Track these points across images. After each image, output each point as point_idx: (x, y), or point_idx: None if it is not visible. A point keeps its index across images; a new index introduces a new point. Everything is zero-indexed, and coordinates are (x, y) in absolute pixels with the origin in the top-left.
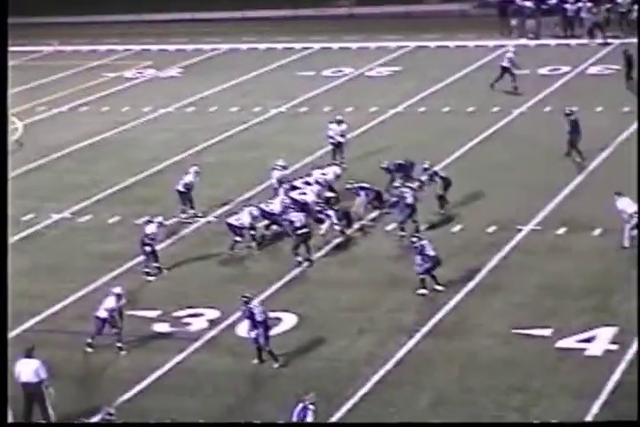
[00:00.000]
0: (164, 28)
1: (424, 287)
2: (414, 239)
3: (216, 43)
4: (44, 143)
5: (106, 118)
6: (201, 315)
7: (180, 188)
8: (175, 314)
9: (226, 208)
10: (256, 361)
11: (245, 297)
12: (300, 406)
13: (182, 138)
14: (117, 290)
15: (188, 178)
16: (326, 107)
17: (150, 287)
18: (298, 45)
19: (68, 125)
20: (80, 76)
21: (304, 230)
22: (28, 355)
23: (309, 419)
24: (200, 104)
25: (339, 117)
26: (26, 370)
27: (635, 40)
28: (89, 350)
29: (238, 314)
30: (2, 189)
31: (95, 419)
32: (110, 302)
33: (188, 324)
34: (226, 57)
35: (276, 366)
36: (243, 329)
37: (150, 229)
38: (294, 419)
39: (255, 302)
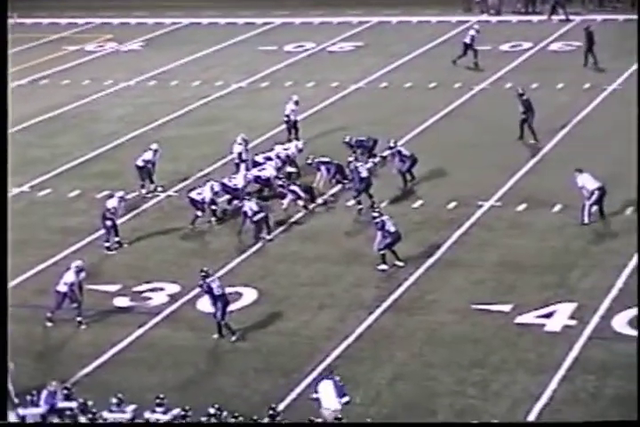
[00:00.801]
0: (125, 2)
1: (384, 263)
2: (375, 215)
3: (177, 17)
4: None
5: (66, 92)
6: (161, 289)
7: (139, 163)
8: (135, 288)
9: (187, 182)
10: (216, 336)
11: (203, 272)
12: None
13: (143, 112)
14: (77, 264)
15: (148, 155)
16: (288, 82)
17: (110, 262)
18: (259, 20)
19: (28, 99)
20: (40, 49)
21: (259, 216)
22: None
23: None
24: (161, 78)
25: (296, 98)
26: None
27: (596, 17)
28: (49, 324)
29: (198, 289)
30: (2, 189)
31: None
32: (70, 277)
33: (149, 298)
34: (187, 31)
35: (233, 339)
36: (203, 304)
37: (111, 203)
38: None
39: (213, 277)
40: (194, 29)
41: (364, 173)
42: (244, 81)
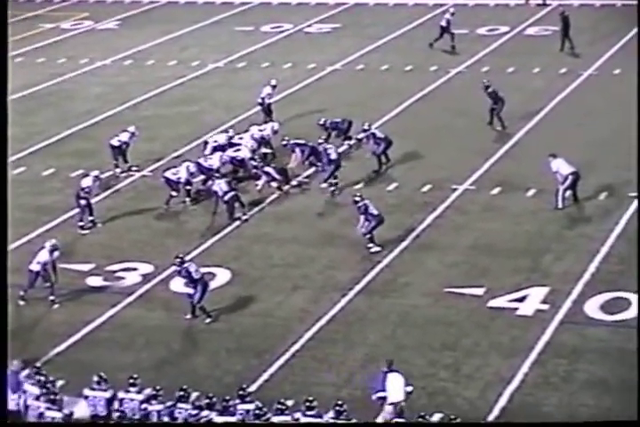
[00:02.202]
0: None
1: (375, 244)
2: (357, 199)
3: None
4: None
5: (42, 70)
6: (134, 269)
7: (114, 143)
8: (108, 268)
9: (161, 162)
10: (189, 316)
11: (179, 258)
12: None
13: (119, 91)
14: (51, 243)
15: (124, 136)
16: (264, 62)
17: (84, 241)
18: (237, 0)
19: None
20: (16, 27)
21: (230, 195)
22: None
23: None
24: (137, 57)
25: (274, 82)
26: None
27: (573, 1)
28: (21, 302)
29: (172, 269)
30: (2, 188)
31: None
32: (43, 256)
33: (122, 278)
34: (164, 10)
35: (207, 321)
36: (176, 284)
37: (86, 182)
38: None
39: (189, 262)
40: (170, 9)
41: (334, 155)
42: (220, 61)
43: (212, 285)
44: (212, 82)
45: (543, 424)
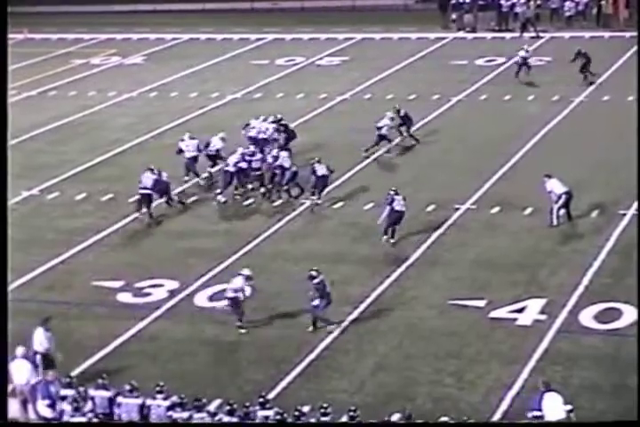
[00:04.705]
0: (128, 19)
1: (386, 234)
2: (391, 192)
3: (177, 33)
4: (15, 125)
5: (73, 102)
6: (161, 286)
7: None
8: (137, 285)
9: (185, 186)
10: (311, 329)
11: (315, 271)
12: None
13: (144, 121)
14: (246, 272)
15: (218, 143)
16: (279, 93)
17: (115, 260)
18: (253, 36)
19: (37, 109)
20: (49, 63)
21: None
22: (44, 325)
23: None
24: (161, 90)
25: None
26: (36, 339)
27: (564, 34)
28: (242, 331)
29: (196, 285)
30: (2, 188)
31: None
32: (238, 282)
33: (150, 294)
34: (186, 46)
35: (331, 328)
36: (200, 299)
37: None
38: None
39: (322, 277)
40: (192, 45)
41: (320, 172)
42: (238, 92)
43: None
44: (231, 112)
45: (543, 424)
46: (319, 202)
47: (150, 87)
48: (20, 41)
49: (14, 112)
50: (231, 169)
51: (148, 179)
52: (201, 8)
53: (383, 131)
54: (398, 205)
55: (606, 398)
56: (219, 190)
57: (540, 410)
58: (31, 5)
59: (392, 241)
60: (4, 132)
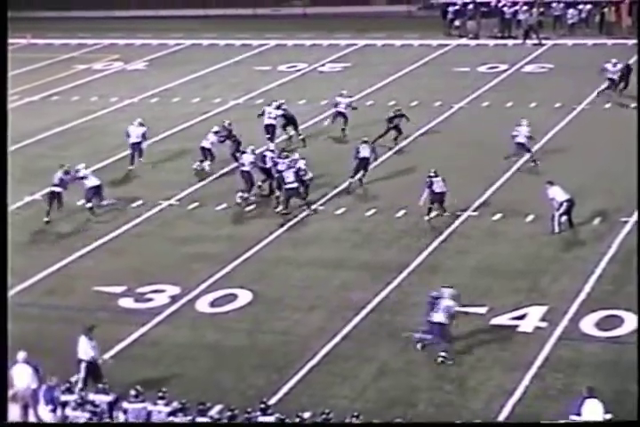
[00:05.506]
0: (131, 24)
1: (428, 214)
2: (431, 174)
3: (179, 38)
4: (17, 130)
5: (75, 108)
6: (163, 291)
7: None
8: (139, 290)
9: (188, 191)
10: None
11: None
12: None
13: (147, 126)
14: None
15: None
16: (281, 99)
17: (116, 265)
18: (255, 42)
19: (40, 114)
20: (52, 68)
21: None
22: (87, 334)
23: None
24: (164, 95)
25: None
26: (80, 348)
27: (567, 41)
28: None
29: (198, 290)
30: (2, 189)
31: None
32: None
33: (151, 299)
34: (188, 52)
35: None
36: (202, 304)
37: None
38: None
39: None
40: (194, 50)
41: (362, 154)
42: (240, 98)
43: (235, 305)
44: (233, 117)
45: (543, 424)
46: (315, 208)
47: (152, 93)
48: (23, 46)
49: (17, 117)
50: (248, 168)
51: (57, 177)
52: (203, 14)
53: (519, 139)
54: (438, 187)
55: (606, 405)
56: (242, 193)
57: (579, 415)
58: (34, 11)
59: (444, 214)
60: (3, 137)
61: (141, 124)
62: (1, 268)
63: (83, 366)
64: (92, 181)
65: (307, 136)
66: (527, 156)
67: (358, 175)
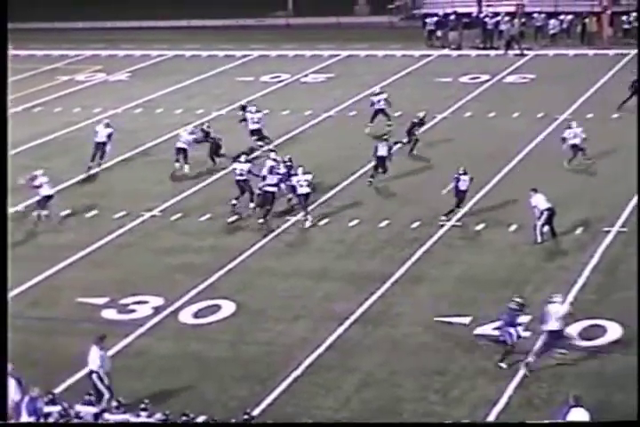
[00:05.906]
0: (114, 35)
1: (447, 214)
2: (460, 171)
3: (162, 49)
4: None
5: (58, 119)
6: (146, 302)
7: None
8: (122, 301)
9: (171, 202)
10: (505, 365)
11: (519, 300)
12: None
13: (130, 137)
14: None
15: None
16: (264, 110)
17: (99, 276)
18: (238, 53)
19: (23, 125)
20: (34, 79)
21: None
22: (98, 343)
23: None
24: (147, 106)
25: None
26: (91, 357)
27: (548, 52)
28: None
29: (182, 301)
30: (2, 190)
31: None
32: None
33: (134, 310)
34: (171, 62)
35: (523, 370)
36: (185, 315)
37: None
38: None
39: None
40: (177, 61)
41: (380, 152)
42: (223, 109)
43: (219, 316)
44: (216, 128)
45: (542, 424)
46: (309, 219)
47: (136, 104)
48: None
49: None
50: (245, 177)
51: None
52: (186, 25)
53: (574, 141)
54: (463, 185)
55: (590, 414)
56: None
57: None
58: (16, 22)
59: (447, 217)
60: (3, 143)
61: (108, 126)
62: (1, 278)
63: (94, 376)
64: (46, 190)
65: (288, 146)
66: (579, 155)
67: (378, 174)
